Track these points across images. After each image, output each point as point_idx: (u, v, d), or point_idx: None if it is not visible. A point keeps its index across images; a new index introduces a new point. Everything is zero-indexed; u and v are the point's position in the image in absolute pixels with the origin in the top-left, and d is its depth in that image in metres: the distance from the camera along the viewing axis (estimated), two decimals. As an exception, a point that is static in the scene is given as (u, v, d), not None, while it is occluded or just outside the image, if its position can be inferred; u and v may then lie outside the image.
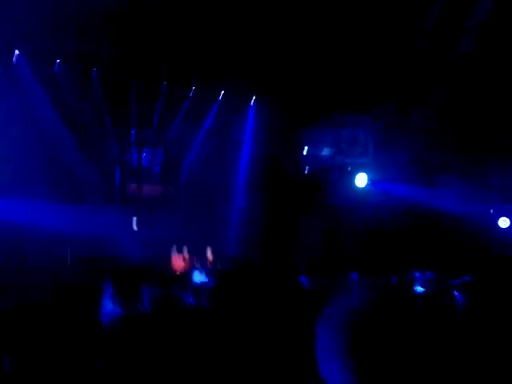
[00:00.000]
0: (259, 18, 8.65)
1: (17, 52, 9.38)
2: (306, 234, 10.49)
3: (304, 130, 11.58)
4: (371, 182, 10.88)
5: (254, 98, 12.04)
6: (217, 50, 9.28)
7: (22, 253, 8.86)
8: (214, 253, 10.47)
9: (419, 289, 6.34)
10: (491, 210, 10.95)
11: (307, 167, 11.54)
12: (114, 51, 9.63)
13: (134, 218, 10.87)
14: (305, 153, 11.61)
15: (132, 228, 10.72)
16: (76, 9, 7.83)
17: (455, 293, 5.51)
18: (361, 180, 10.84)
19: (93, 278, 7.64)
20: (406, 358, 0.81)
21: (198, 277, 7.68)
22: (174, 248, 10.15)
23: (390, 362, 0.80)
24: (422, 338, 0.82)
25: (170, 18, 8.44)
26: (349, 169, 10.95)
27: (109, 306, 5.40)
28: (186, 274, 8.27)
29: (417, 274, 6.74)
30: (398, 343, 0.82)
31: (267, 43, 9.13)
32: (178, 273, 9.64)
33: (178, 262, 10.11)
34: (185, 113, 11.41)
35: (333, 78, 9.96)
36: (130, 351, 2.54)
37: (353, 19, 8.64)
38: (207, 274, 7.67)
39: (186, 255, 10.21)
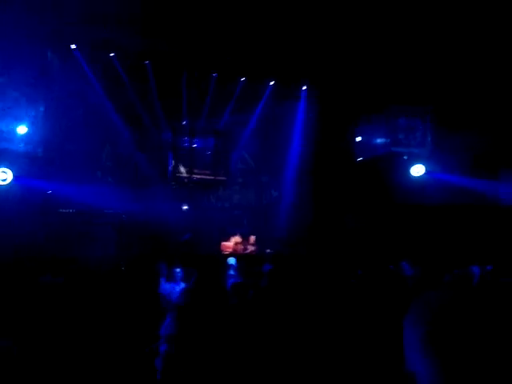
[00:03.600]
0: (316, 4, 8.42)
1: (73, 46, 9.72)
2: (357, 225, 10.23)
3: (357, 118, 11.26)
4: (428, 172, 10.46)
5: (305, 85, 11.85)
6: (268, 38, 9.16)
7: (86, 230, 9.30)
8: (260, 238, 10.57)
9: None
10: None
11: (360, 155, 11.23)
12: (166, 44, 9.75)
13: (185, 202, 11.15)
14: (358, 140, 11.30)
15: (183, 210, 11.00)
16: (128, 2, 7.91)
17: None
18: (417, 170, 10.45)
19: (148, 257, 7.95)
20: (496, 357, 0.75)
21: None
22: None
23: (479, 360, 0.75)
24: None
25: (221, 9, 8.40)
26: (405, 157, 10.56)
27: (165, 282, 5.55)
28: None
29: (475, 269, 6.43)
30: (491, 341, 0.75)
31: (321, 29, 8.90)
32: (228, 252, 9.85)
33: (230, 244, 10.29)
34: (235, 101, 11.44)
35: (392, 66, 9.61)
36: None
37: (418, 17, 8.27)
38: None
39: (239, 238, 10.36)
